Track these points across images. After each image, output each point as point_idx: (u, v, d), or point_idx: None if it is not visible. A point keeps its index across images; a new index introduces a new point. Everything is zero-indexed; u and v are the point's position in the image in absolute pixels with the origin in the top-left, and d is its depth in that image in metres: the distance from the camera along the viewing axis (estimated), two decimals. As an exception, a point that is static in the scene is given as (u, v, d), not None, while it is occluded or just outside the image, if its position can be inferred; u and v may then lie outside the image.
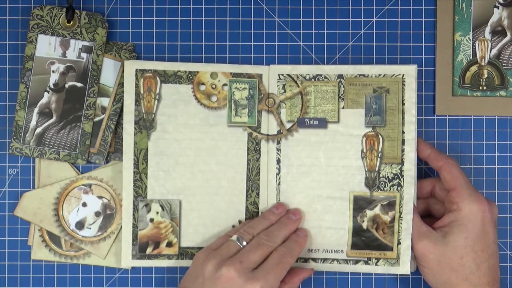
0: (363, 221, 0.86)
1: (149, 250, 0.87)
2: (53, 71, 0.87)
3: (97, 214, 0.88)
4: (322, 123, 0.86)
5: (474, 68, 0.88)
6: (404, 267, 0.85)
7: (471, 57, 0.88)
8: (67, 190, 0.88)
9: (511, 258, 0.89)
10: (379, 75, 0.85)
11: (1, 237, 0.89)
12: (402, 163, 0.84)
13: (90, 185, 0.88)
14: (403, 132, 0.84)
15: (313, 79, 0.87)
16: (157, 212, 0.87)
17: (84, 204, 0.88)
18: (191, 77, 0.87)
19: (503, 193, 0.89)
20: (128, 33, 0.89)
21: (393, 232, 0.85)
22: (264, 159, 0.87)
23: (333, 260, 0.86)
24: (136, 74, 0.87)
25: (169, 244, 0.87)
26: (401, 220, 0.84)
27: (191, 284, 0.79)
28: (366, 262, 0.86)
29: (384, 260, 0.85)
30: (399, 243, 0.85)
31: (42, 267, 0.89)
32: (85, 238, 0.88)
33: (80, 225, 0.88)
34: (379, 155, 0.85)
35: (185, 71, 0.87)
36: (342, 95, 0.86)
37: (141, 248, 0.87)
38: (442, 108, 0.88)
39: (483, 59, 0.88)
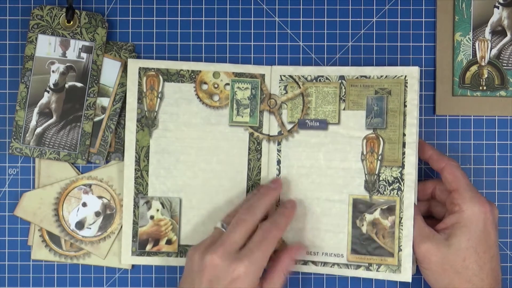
0: (363, 225, 0.85)
1: (148, 247, 0.87)
2: (53, 71, 0.87)
3: (97, 214, 0.88)
4: (323, 125, 0.86)
5: (474, 68, 0.88)
6: (406, 274, 0.84)
7: (471, 57, 0.88)
8: (67, 190, 0.88)
9: (511, 258, 0.89)
10: (381, 76, 0.85)
11: (1, 237, 0.89)
12: (403, 166, 0.84)
13: (90, 185, 0.88)
14: (404, 135, 0.84)
15: (314, 80, 0.86)
16: (158, 210, 0.87)
17: (84, 204, 0.88)
18: (193, 76, 0.87)
19: (503, 193, 0.89)
20: (128, 33, 0.89)
21: (393, 237, 0.84)
22: (265, 159, 0.87)
23: (334, 264, 0.86)
24: (139, 73, 0.87)
25: (169, 242, 0.87)
26: (401, 226, 0.83)
27: (184, 281, 0.79)
28: (367, 268, 0.85)
29: (385, 267, 0.84)
30: (400, 249, 0.83)
31: (42, 267, 0.89)
32: (85, 238, 0.88)
33: (80, 225, 0.88)
34: (379, 158, 0.84)
35: (188, 70, 0.87)
36: (343, 96, 0.86)
37: (141, 245, 0.87)
38: (442, 108, 0.88)
39: (483, 59, 0.88)
